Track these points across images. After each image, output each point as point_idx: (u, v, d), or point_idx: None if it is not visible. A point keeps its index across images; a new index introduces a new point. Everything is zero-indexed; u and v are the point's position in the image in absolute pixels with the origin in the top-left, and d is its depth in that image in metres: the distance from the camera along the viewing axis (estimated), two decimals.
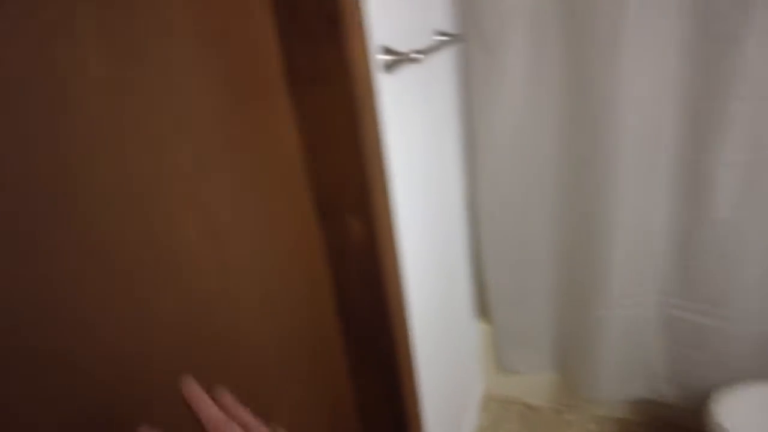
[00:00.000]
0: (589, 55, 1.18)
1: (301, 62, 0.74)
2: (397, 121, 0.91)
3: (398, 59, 0.87)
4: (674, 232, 1.28)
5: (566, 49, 1.22)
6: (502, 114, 1.33)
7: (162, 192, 0.53)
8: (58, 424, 0.43)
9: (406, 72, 0.94)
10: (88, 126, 0.44)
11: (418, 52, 0.88)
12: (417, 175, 1.06)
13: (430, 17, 1.13)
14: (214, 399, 0.43)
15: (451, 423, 1.43)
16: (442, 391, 1.34)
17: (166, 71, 0.53)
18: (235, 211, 0.65)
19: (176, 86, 0.55)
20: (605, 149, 1.23)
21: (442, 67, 1.23)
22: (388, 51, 0.87)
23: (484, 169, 1.43)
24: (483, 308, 1.68)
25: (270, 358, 0.72)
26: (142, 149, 0.50)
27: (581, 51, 1.20)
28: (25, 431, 0.40)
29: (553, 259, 1.47)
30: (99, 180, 0.46)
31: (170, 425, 0.44)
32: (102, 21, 0.45)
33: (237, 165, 0.65)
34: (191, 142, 0.57)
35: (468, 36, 1.27)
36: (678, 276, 1.31)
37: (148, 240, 0.51)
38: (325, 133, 0.78)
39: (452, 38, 1.17)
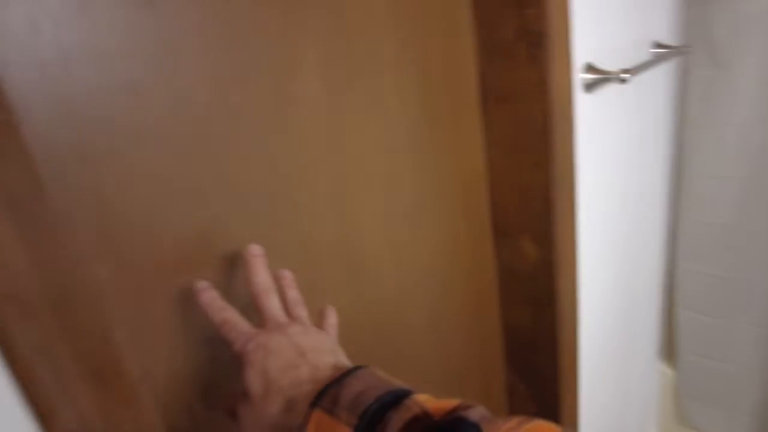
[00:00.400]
0: None
1: (495, 81, 0.75)
2: (591, 143, 0.86)
3: (602, 78, 0.82)
4: None
5: None
6: (725, 138, 1.15)
7: (356, 200, 0.59)
8: None
9: (610, 91, 0.88)
10: (306, 137, 0.52)
11: (627, 71, 0.82)
12: (609, 201, 0.99)
13: (647, 28, 1.03)
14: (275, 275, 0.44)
15: None
16: (607, 430, 1.24)
17: (372, 95, 0.59)
18: (415, 224, 0.69)
19: (378, 108, 0.60)
20: None
21: (654, 83, 1.11)
22: (591, 69, 0.82)
23: (692, 199, 1.26)
24: (669, 350, 1.49)
25: (431, 366, 0.76)
26: (346, 161, 0.57)
27: None
28: None
29: (762, 309, 1.23)
30: (310, 184, 0.53)
31: None
32: (325, 54, 0.52)
33: (422, 182, 0.69)
34: (385, 158, 0.62)
35: (692, 47, 1.12)
36: None
37: (339, 240, 0.58)
38: (513, 154, 0.77)
39: (672, 51, 1.05)
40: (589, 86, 0.82)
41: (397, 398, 0.33)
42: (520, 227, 0.80)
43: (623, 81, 0.81)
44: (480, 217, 0.81)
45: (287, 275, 0.46)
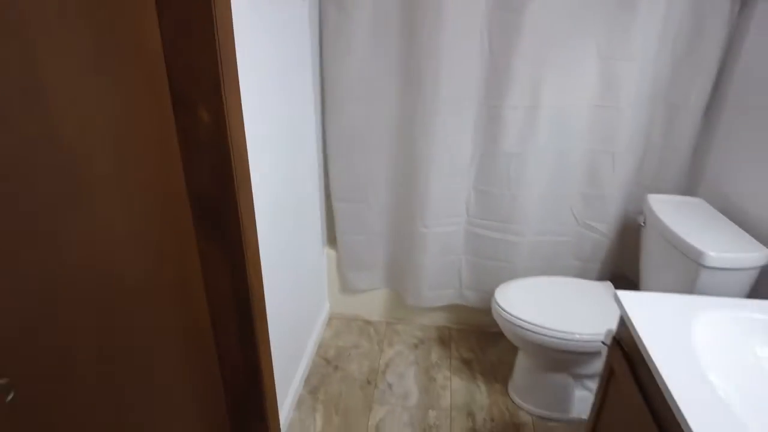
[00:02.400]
0: (419, 20, 1.45)
1: None
2: (249, 42, 1.07)
3: None
4: (476, 164, 1.62)
5: (403, 14, 1.48)
6: (349, 64, 1.55)
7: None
8: None
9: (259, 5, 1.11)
10: None
11: None
12: (270, 97, 1.22)
13: None
14: None
15: (301, 332, 1.64)
16: (294, 306, 1.54)
17: None
18: (101, 84, 0.77)
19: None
20: (428, 97, 1.53)
21: (298, 17, 1.40)
22: None
23: (333, 111, 1.64)
24: (332, 236, 1.91)
25: (120, 227, 0.85)
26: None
27: (414, 15, 1.46)
28: None
29: (387, 190, 1.74)
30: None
31: None
32: None
33: (102, 50, 0.77)
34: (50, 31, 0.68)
35: None
36: (478, 200, 1.67)
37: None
38: (185, 34, 0.91)
39: None
40: None
41: None
42: (195, 99, 0.95)
43: None
44: (160, 89, 0.92)
45: None
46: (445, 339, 1.91)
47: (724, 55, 1.45)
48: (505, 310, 1.44)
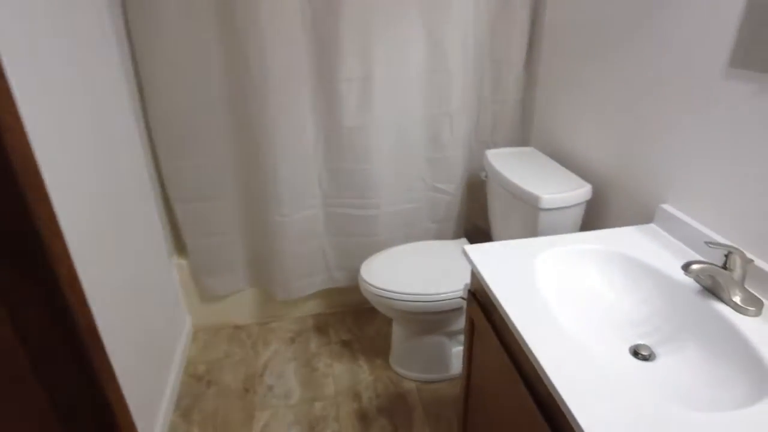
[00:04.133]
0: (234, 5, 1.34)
1: None
2: (20, 28, 0.88)
3: None
4: (322, 142, 1.56)
5: (216, 5, 1.35)
6: (163, 47, 1.38)
7: None
8: None
9: None
10: None
11: None
12: (63, 103, 1.03)
13: None
14: None
15: (160, 353, 1.46)
16: (146, 329, 1.36)
17: None
18: None
19: None
20: (258, 80, 1.42)
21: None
22: None
23: (154, 102, 1.46)
24: (179, 245, 1.73)
25: None
26: None
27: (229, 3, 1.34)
28: None
29: (234, 183, 1.61)
30: None
31: None
32: None
33: None
34: None
35: None
36: (331, 178, 1.62)
37: None
38: None
39: None
40: None
41: None
42: None
43: None
44: None
45: None
46: (322, 326, 1.85)
47: (533, 11, 1.55)
48: (371, 284, 1.42)
